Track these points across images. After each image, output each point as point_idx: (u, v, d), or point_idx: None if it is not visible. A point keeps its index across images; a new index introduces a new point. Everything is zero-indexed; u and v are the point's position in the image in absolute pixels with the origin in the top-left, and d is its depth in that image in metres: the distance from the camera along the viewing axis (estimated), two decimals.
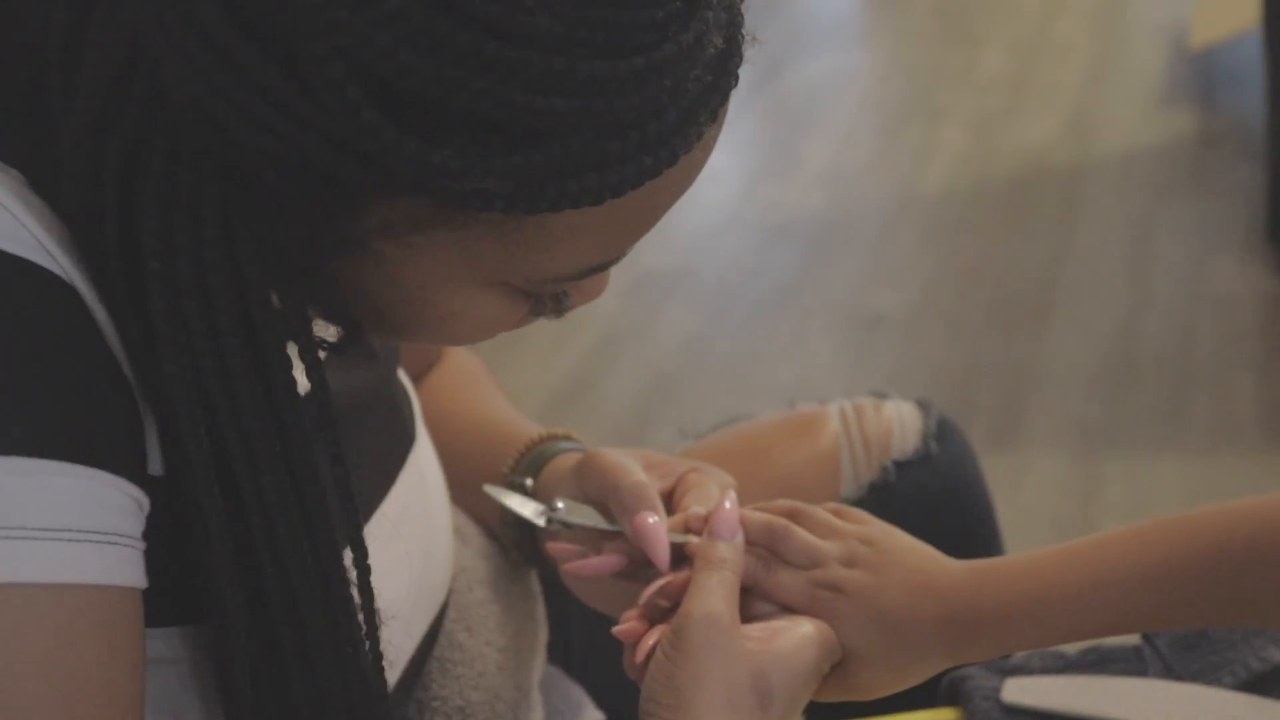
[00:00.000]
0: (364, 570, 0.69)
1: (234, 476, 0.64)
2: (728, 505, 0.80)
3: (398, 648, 0.80)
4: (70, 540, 0.59)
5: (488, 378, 1.06)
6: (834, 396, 1.08)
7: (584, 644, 1.02)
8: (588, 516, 0.86)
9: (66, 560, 0.59)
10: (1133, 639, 1.06)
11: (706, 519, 0.80)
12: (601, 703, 1.00)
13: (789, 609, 0.80)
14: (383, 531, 0.79)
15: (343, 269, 0.63)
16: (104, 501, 0.60)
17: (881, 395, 1.07)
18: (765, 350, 2.70)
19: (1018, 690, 0.97)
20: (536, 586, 1.00)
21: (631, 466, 0.83)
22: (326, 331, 0.69)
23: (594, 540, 0.85)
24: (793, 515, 0.83)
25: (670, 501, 0.84)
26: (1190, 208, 3.09)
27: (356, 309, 0.66)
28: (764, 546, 0.81)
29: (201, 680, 0.68)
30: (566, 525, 0.86)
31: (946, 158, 3.45)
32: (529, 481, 0.92)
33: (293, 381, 0.64)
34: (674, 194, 0.66)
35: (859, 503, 1.01)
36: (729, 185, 3.43)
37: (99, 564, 0.60)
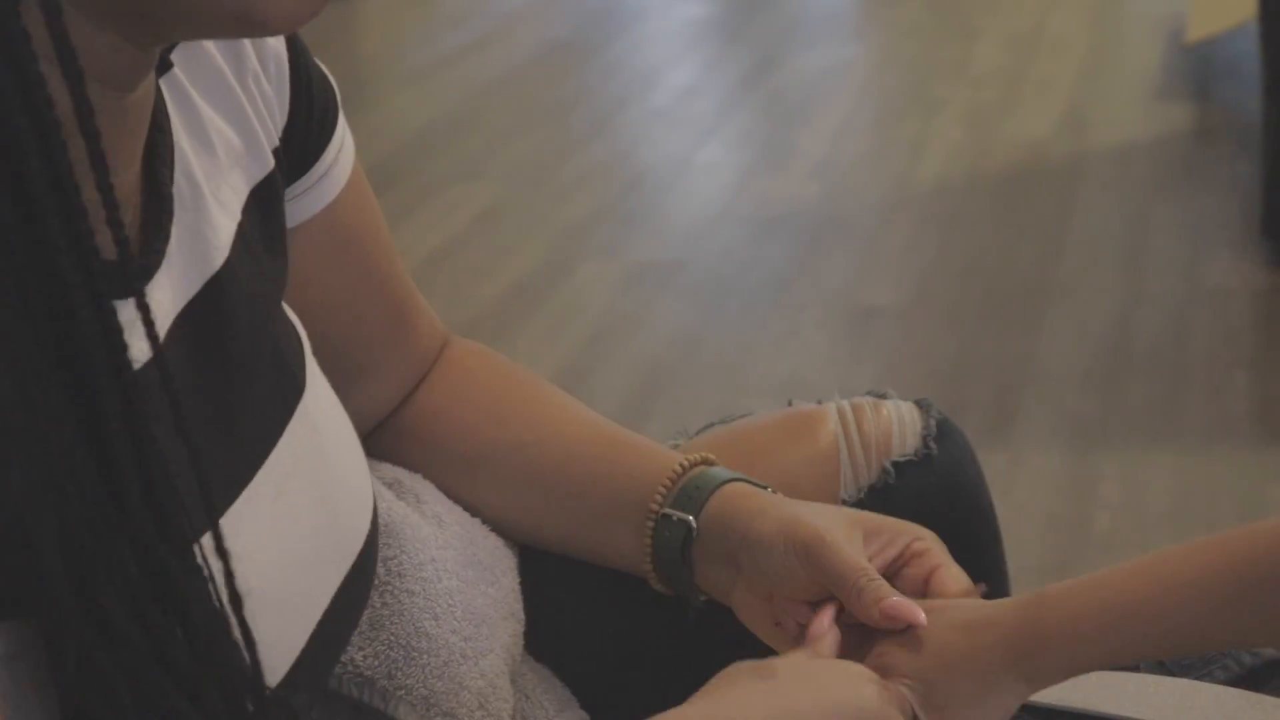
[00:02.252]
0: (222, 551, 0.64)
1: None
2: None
3: (306, 596, 0.79)
4: None
5: (539, 382, 1.04)
6: (828, 390, 1.07)
7: (575, 644, 1.02)
8: None
9: None
10: None
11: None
12: (587, 704, 0.99)
13: None
14: (269, 485, 0.76)
15: None
16: None
17: (880, 395, 1.05)
18: (759, 343, 2.70)
19: None
20: (514, 580, 1.00)
21: (850, 552, 0.86)
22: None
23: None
24: None
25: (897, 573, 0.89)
26: (1185, 202, 3.09)
27: None
28: None
29: (45, 677, 0.62)
30: None
31: (941, 151, 3.45)
32: (691, 519, 0.92)
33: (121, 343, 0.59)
34: None
35: (857, 505, 1.00)
36: (723, 178, 3.43)
37: None
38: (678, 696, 1.03)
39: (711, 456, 0.96)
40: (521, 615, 0.99)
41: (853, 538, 0.88)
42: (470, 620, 0.93)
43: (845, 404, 1.03)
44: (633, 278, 2.94)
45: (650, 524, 0.94)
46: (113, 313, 0.58)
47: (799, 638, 0.88)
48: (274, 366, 0.81)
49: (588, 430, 1.00)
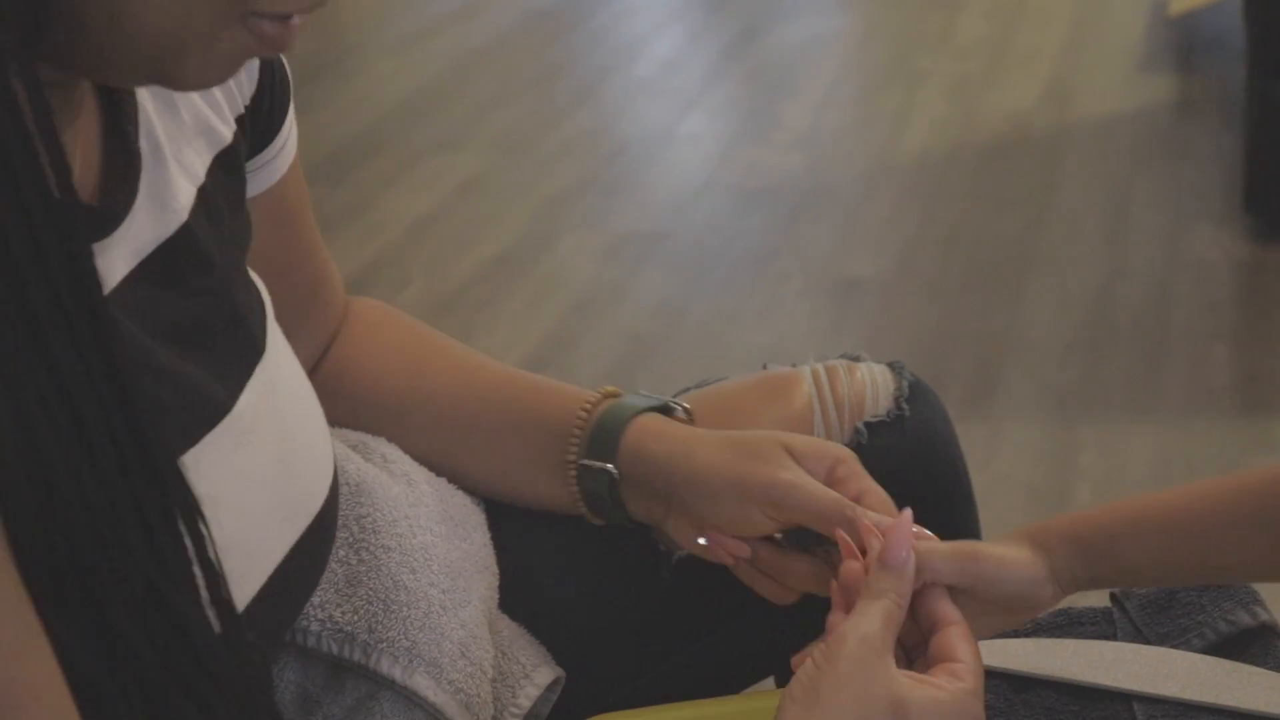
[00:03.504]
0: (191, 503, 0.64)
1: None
2: (899, 524, 0.82)
3: (259, 548, 0.80)
4: None
5: (443, 336, 1.06)
6: (807, 360, 1.07)
7: (547, 601, 1.02)
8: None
9: None
10: (1102, 602, 1.06)
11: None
12: (562, 660, 1.00)
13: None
14: (229, 437, 0.78)
15: None
16: None
17: (854, 357, 1.06)
18: (742, 314, 2.70)
19: (986, 653, 0.97)
20: (486, 535, 1.01)
21: (816, 486, 0.90)
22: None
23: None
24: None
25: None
26: (1168, 175, 3.09)
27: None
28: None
29: None
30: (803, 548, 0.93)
31: (925, 123, 3.45)
32: (610, 467, 0.95)
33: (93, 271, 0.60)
34: None
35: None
36: (707, 148, 3.43)
37: None
38: (651, 652, 1.03)
39: (615, 389, 0.99)
40: (495, 569, 1.00)
41: (793, 464, 0.91)
42: (447, 573, 0.94)
43: (819, 366, 1.04)
44: (615, 248, 2.94)
45: (573, 474, 0.97)
46: (87, 254, 0.60)
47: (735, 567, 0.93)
48: (232, 327, 0.82)
49: (494, 376, 1.03)
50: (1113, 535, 0.85)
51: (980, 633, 0.84)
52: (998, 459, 2.22)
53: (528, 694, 0.97)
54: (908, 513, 0.83)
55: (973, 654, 0.80)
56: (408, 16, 4.35)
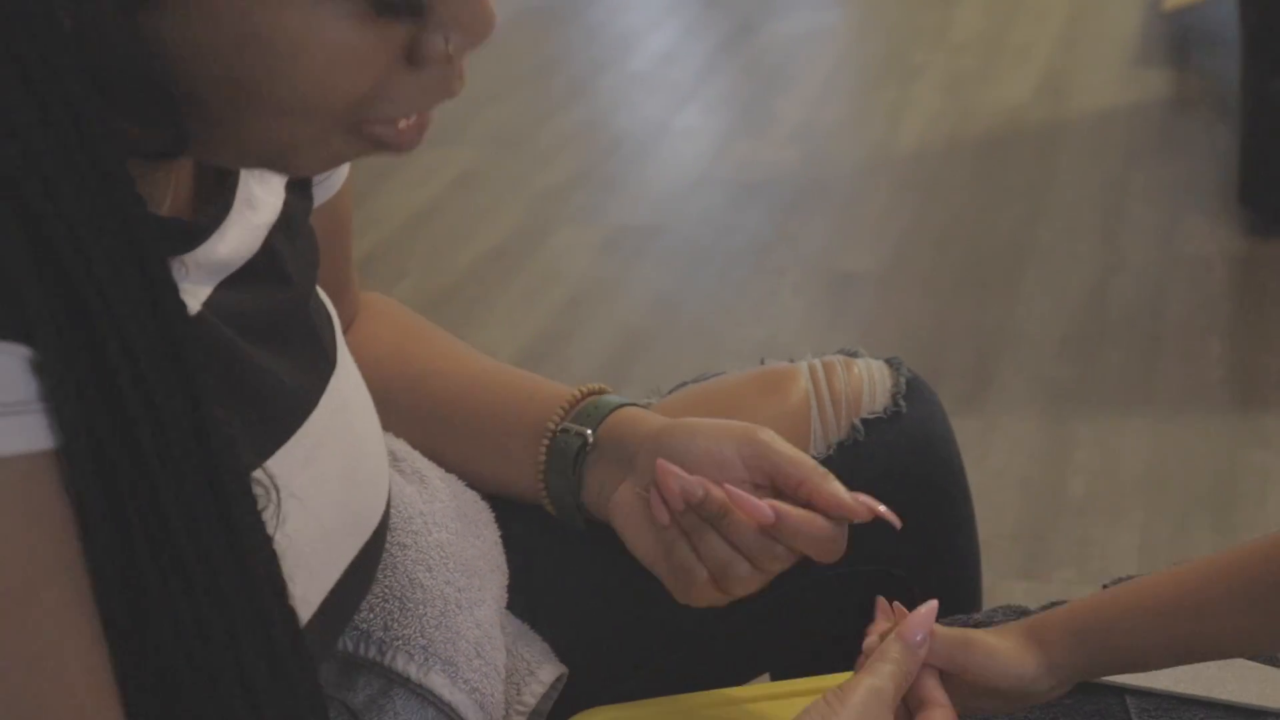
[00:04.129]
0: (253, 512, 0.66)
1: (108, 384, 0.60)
2: (924, 610, 0.85)
3: (323, 565, 0.80)
4: None
5: (437, 328, 1.08)
6: (804, 355, 1.08)
7: (549, 599, 1.02)
8: None
9: None
10: None
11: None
12: (564, 657, 1.00)
13: None
14: (301, 450, 0.78)
15: (163, 31, 0.61)
16: None
17: (851, 353, 1.06)
18: (737, 309, 2.70)
19: None
20: (496, 533, 1.01)
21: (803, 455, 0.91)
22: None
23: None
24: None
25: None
26: (1163, 169, 3.09)
27: (194, 81, 0.63)
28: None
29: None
30: None
31: (920, 117, 3.45)
32: (589, 431, 0.96)
33: (170, 280, 0.62)
34: None
35: (826, 461, 1.01)
36: (702, 143, 3.43)
37: None
38: (651, 648, 1.04)
39: (606, 387, 1.00)
40: (505, 568, 1.00)
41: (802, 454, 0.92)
42: (462, 571, 0.94)
43: (817, 362, 1.05)
44: (611, 242, 2.94)
45: (546, 441, 0.98)
46: (165, 268, 0.61)
47: (666, 530, 0.92)
48: (308, 342, 0.82)
49: (487, 363, 1.04)
50: (1109, 620, 0.86)
51: (972, 711, 0.87)
52: (992, 454, 2.23)
53: (533, 691, 0.97)
54: (934, 603, 0.85)
55: None
56: None
